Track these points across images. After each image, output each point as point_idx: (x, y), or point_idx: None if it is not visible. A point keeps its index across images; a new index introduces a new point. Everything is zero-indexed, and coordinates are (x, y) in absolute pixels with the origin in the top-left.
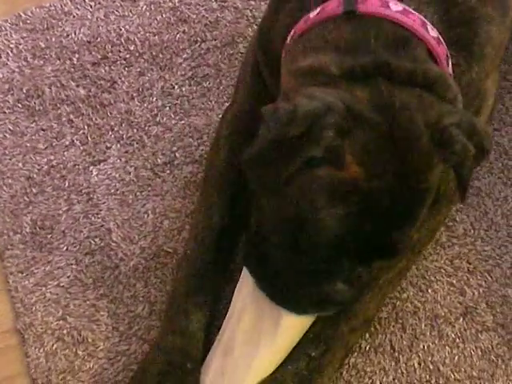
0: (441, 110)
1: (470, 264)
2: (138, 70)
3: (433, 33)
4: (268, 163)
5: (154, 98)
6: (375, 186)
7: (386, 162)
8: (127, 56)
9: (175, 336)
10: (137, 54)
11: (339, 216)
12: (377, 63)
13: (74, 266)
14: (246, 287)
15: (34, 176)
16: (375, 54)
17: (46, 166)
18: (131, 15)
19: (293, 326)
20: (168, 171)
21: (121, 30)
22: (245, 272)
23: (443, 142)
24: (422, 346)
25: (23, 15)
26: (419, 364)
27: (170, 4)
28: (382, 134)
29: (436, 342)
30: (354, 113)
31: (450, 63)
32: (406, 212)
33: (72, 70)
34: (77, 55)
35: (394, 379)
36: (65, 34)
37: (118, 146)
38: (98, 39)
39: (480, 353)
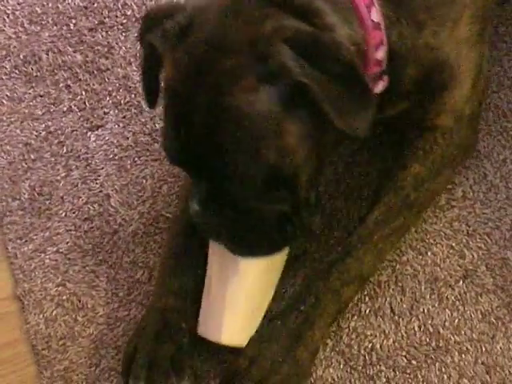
0: (281, 24)
1: (469, 227)
2: (135, 35)
3: None
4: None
5: None
6: (183, 90)
7: (196, 67)
8: (124, 21)
9: (169, 297)
10: (134, 19)
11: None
12: None
13: (72, 232)
14: None
15: (32, 142)
16: None
17: (43, 132)
18: None
19: (253, 262)
20: None
21: None
22: None
23: (258, 57)
24: (421, 309)
25: None
26: (419, 327)
27: None
28: (207, 38)
29: (436, 304)
30: (195, 19)
31: (377, 12)
32: (211, 131)
33: (69, 35)
34: (74, 21)
35: (394, 342)
36: (61, 0)
37: (116, 111)
38: (95, 4)
39: (480, 315)
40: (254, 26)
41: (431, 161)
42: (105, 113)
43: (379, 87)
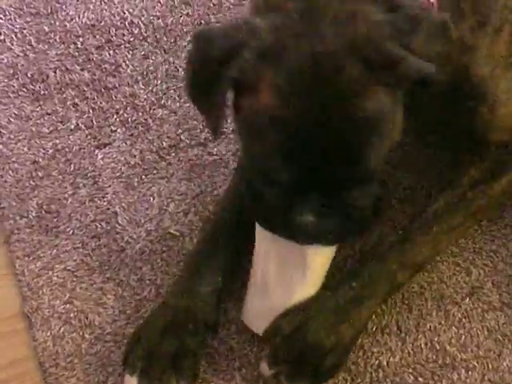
0: (375, 22)
1: (475, 244)
2: (142, 53)
3: None
4: (199, 89)
5: (159, 81)
6: (294, 114)
7: (307, 86)
8: (131, 39)
9: (183, 296)
10: (141, 38)
11: (267, 150)
12: None
13: (80, 250)
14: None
15: (40, 160)
16: None
17: (51, 150)
18: None
19: (318, 257)
20: (173, 154)
21: (124, 13)
22: None
23: (381, 64)
24: (428, 326)
25: None
26: (426, 344)
27: None
28: (304, 55)
29: (442, 322)
30: (280, 36)
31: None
32: (344, 144)
33: (76, 53)
34: (81, 39)
35: (400, 359)
36: (69, 18)
37: (123, 129)
38: (102, 23)
39: (486, 332)
40: (346, 27)
41: (485, 166)
42: (112, 131)
43: None
